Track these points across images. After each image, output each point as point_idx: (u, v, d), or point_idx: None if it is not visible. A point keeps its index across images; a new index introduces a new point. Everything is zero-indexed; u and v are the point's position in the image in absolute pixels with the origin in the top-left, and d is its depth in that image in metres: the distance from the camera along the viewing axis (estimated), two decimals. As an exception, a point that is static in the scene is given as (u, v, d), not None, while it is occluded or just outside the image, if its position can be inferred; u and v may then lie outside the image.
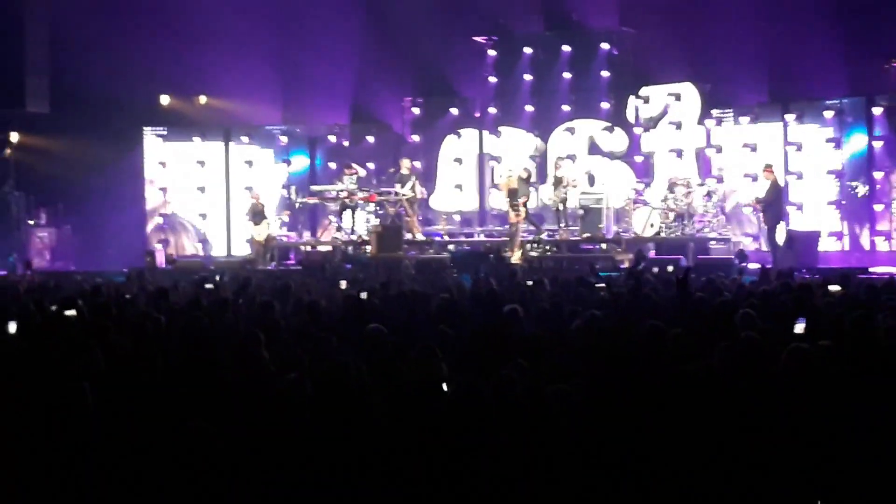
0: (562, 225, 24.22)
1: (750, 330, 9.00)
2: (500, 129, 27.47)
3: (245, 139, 27.64)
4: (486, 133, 27.43)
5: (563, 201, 24.07)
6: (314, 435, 6.27)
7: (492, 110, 27.72)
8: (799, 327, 8.99)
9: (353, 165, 25.13)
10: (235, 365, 8.05)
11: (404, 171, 24.88)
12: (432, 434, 6.15)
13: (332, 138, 28.00)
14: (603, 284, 14.18)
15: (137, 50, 25.91)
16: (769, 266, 17.88)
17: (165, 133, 27.66)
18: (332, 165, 27.27)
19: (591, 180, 26.08)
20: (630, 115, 26.38)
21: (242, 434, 6.34)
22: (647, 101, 26.04)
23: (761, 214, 22.65)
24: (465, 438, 6.07)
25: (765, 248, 23.24)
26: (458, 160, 27.63)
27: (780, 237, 22.14)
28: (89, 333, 9.35)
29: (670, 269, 18.92)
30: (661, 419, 6.51)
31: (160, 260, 25.45)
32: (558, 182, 24.11)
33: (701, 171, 25.21)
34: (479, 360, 8.20)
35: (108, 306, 11.60)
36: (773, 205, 22.37)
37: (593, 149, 26.75)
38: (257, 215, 24.62)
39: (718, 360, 7.66)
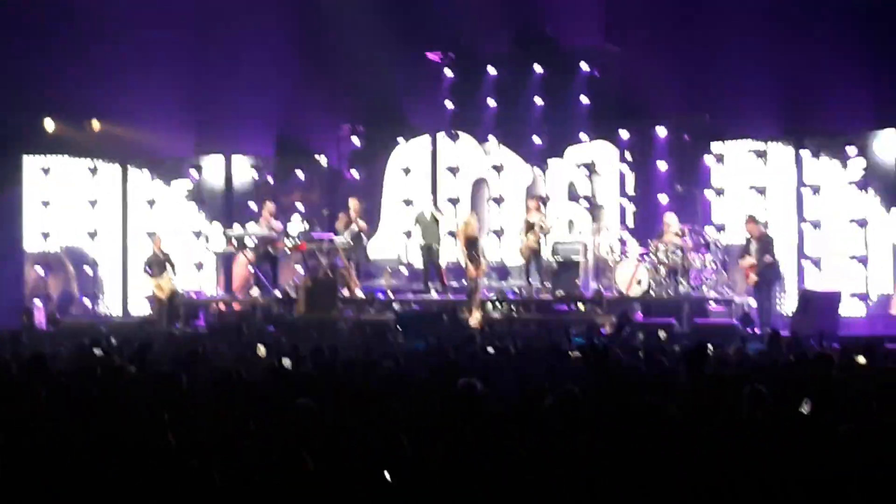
0: (531, 280, 24.31)
1: (758, 410, 9.03)
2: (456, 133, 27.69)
3: (147, 173, 27.51)
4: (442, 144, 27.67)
5: (535, 252, 24.16)
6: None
7: (442, 138, 27.83)
8: (805, 407, 9.00)
9: (269, 204, 25.26)
10: (133, 449, 7.93)
11: (353, 213, 24.91)
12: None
13: (254, 173, 27.94)
14: (578, 353, 14.19)
15: (14, 63, 25.65)
16: (780, 331, 17.96)
17: (49, 165, 27.43)
18: (253, 206, 27.18)
19: (570, 227, 26.26)
20: (614, 153, 26.63)
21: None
22: (634, 134, 26.34)
23: (754, 280, 22.96)
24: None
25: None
26: (408, 201, 27.61)
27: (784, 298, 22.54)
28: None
29: (662, 335, 19.05)
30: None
31: (39, 319, 25.20)
32: (529, 228, 24.19)
33: (699, 217, 25.38)
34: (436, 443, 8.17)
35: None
36: (771, 264, 22.80)
37: (572, 193, 26.94)
38: (158, 266, 24.47)
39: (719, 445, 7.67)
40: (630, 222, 26.19)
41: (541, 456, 7.80)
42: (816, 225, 24.46)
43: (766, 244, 22.98)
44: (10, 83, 25.24)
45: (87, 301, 27.54)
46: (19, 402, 9.99)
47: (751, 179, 25.10)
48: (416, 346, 17.07)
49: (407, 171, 27.87)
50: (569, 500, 6.66)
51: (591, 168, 26.80)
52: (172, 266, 24.66)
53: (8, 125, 25.63)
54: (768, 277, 22.99)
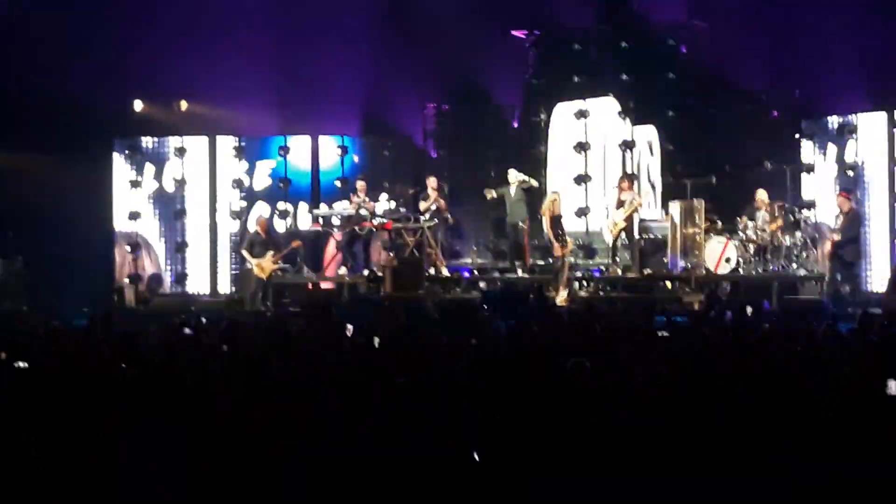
0: (617, 259, 24.28)
1: (847, 394, 8.98)
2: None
3: (234, 153, 27.70)
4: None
5: (626, 230, 24.05)
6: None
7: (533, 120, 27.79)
8: (893, 386, 8.93)
9: (362, 183, 25.38)
10: (222, 431, 8.01)
11: (430, 191, 24.96)
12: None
13: (340, 152, 28.05)
14: (667, 333, 14.14)
15: (104, 45, 25.91)
16: (873, 311, 17.77)
17: (137, 146, 27.78)
18: (339, 185, 27.29)
19: (649, 204, 26.20)
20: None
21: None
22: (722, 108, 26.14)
23: (835, 253, 22.58)
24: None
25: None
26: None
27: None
28: (45, 389, 9.38)
29: (749, 310, 18.98)
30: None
31: (130, 298, 25.52)
32: (620, 205, 24.09)
33: (788, 194, 25.16)
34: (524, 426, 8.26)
35: (69, 356, 11.60)
36: (854, 241, 22.41)
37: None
38: (261, 246, 24.61)
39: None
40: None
41: (631, 432, 7.82)
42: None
43: (852, 220, 22.63)
44: (97, 66, 25.51)
45: (176, 281, 27.79)
46: (111, 384, 10.13)
47: (842, 155, 24.82)
48: (501, 325, 17.04)
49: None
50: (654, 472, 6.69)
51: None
52: (277, 248, 24.82)
53: (98, 108, 25.92)
54: (843, 254, 22.60)
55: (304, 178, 27.86)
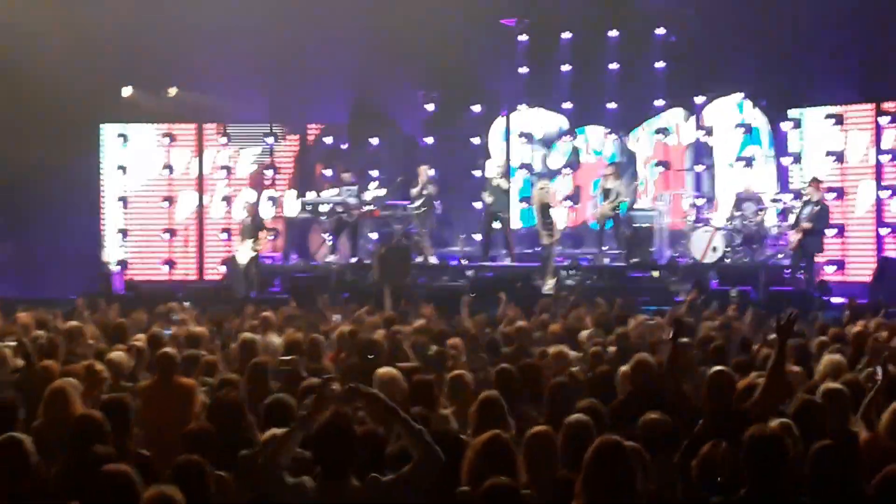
0: (604, 247, 24.32)
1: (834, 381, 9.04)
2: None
3: (223, 139, 27.69)
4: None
5: (614, 219, 24.08)
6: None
7: (522, 107, 27.78)
8: (878, 374, 8.96)
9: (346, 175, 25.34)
10: (215, 429, 8.00)
11: (422, 179, 24.90)
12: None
13: (329, 139, 28.03)
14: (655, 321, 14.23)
15: (93, 31, 25.79)
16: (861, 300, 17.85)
17: (127, 132, 27.77)
18: (328, 172, 27.29)
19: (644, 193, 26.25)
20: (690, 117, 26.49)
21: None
22: (711, 100, 26.21)
23: (797, 240, 22.50)
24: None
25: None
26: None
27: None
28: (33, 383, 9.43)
29: (733, 293, 19.15)
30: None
31: (118, 284, 25.49)
32: (606, 195, 24.12)
33: (778, 183, 25.20)
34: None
35: (55, 346, 11.61)
36: (821, 232, 22.39)
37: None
38: (251, 230, 24.43)
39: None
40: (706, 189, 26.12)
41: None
42: (895, 191, 24.20)
43: (822, 211, 22.51)
44: (87, 51, 25.39)
45: (163, 267, 27.78)
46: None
47: (828, 145, 24.87)
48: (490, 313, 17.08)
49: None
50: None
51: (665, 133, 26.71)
52: (260, 232, 24.56)
53: (87, 94, 25.84)
54: (807, 244, 22.52)
55: (292, 164, 27.86)
